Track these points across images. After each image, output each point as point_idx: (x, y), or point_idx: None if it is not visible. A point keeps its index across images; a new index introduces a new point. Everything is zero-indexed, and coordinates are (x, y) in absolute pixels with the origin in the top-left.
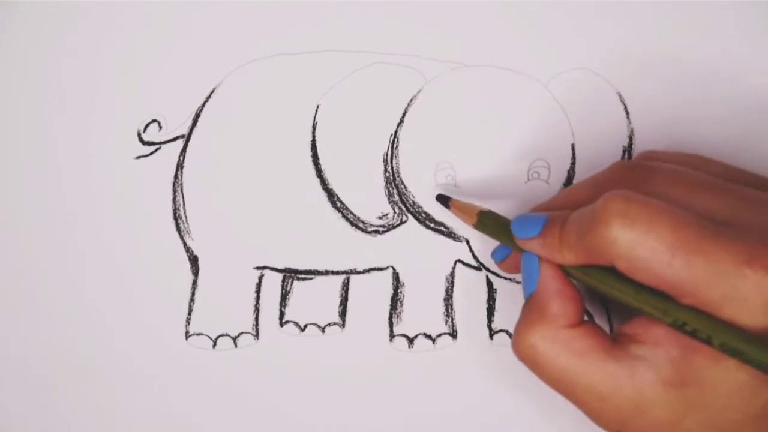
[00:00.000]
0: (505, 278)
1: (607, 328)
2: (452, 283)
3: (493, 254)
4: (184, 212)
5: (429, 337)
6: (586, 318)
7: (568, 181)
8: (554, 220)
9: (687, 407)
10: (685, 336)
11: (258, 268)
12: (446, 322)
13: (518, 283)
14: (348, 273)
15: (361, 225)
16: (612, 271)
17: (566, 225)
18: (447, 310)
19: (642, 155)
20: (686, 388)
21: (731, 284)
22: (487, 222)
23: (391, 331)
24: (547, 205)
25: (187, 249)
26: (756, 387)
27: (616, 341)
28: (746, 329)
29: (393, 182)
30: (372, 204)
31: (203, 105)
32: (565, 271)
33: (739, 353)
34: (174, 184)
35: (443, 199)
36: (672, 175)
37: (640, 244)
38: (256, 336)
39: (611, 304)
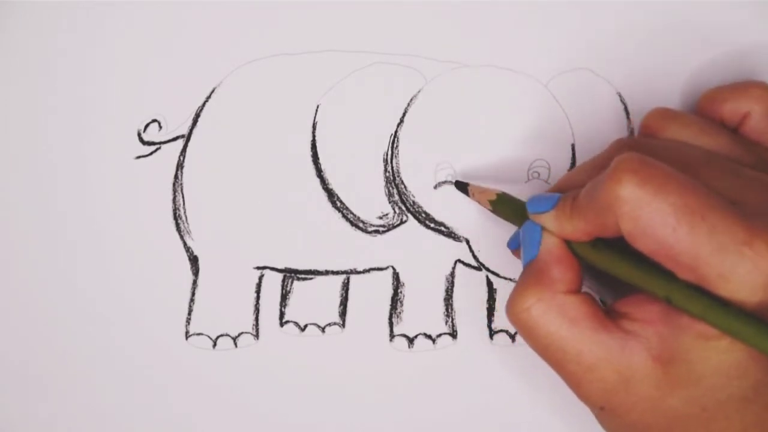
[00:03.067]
0: (505, 278)
1: None
2: (452, 283)
3: (509, 243)
4: (184, 212)
5: (429, 337)
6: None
7: None
8: (568, 194)
9: (673, 384)
10: (676, 315)
11: (258, 268)
12: (446, 322)
13: None
14: (348, 273)
15: (361, 225)
16: (615, 247)
17: (580, 194)
18: (447, 310)
19: (655, 113)
20: (674, 365)
21: (730, 262)
22: (504, 203)
23: (391, 331)
24: (553, 188)
25: (187, 249)
26: (745, 368)
27: (609, 316)
28: (744, 306)
29: (393, 182)
30: (372, 204)
31: (203, 105)
32: (570, 248)
33: (733, 333)
34: (174, 184)
35: (461, 186)
36: (674, 153)
37: (647, 204)
38: (256, 336)
39: (608, 288)
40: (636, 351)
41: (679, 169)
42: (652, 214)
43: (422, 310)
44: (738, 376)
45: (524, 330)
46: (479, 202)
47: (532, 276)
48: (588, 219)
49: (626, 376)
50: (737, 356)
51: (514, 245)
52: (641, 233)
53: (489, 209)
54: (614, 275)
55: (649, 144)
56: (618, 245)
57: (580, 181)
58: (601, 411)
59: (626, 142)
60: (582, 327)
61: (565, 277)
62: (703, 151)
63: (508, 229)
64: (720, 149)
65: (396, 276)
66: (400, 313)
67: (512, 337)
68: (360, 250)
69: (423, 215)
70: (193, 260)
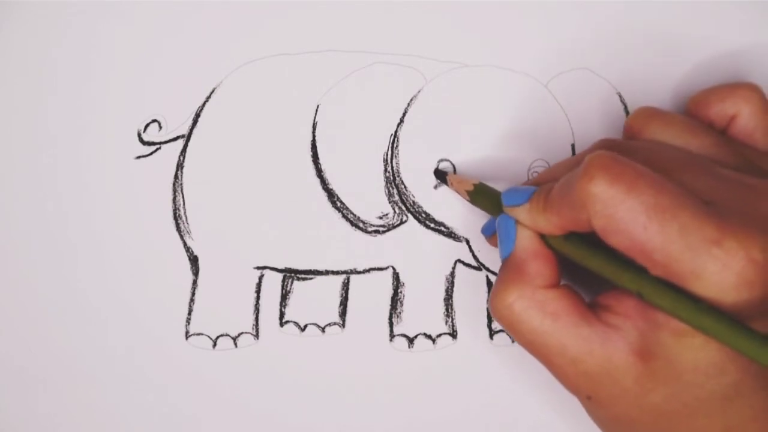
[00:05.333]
0: None
1: None
2: (452, 283)
3: (483, 230)
4: (184, 212)
5: (429, 337)
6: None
7: None
8: (542, 188)
9: (654, 380)
10: (653, 311)
11: (258, 268)
12: (446, 322)
13: None
14: (348, 273)
15: (361, 225)
16: (588, 241)
17: (553, 188)
18: (447, 310)
19: (639, 112)
20: (654, 360)
21: (700, 261)
22: (482, 193)
23: (391, 331)
24: (531, 182)
25: (187, 249)
26: (722, 366)
27: (591, 309)
28: (717, 305)
29: (393, 182)
30: (372, 204)
31: (203, 105)
32: (544, 241)
33: (703, 329)
34: (174, 184)
35: (440, 174)
36: (651, 153)
37: (620, 202)
38: (256, 336)
39: (585, 281)
40: (617, 345)
41: (655, 168)
42: (624, 212)
43: (422, 310)
44: (716, 375)
45: (508, 326)
46: (457, 192)
47: (510, 272)
48: (561, 214)
49: (608, 369)
50: (713, 354)
51: (489, 232)
52: (613, 230)
53: (467, 199)
54: (588, 269)
55: (627, 144)
56: (592, 239)
57: (559, 177)
58: (588, 401)
59: (606, 142)
60: (564, 321)
61: (542, 271)
62: (682, 152)
63: None
64: (703, 149)
65: (396, 276)
66: (400, 313)
67: (512, 337)
68: (360, 250)
69: (423, 215)
70: (193, 260)
